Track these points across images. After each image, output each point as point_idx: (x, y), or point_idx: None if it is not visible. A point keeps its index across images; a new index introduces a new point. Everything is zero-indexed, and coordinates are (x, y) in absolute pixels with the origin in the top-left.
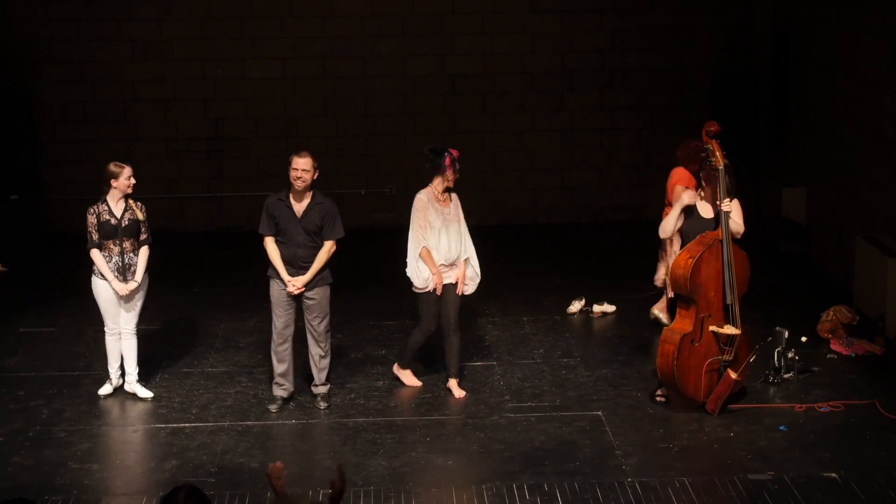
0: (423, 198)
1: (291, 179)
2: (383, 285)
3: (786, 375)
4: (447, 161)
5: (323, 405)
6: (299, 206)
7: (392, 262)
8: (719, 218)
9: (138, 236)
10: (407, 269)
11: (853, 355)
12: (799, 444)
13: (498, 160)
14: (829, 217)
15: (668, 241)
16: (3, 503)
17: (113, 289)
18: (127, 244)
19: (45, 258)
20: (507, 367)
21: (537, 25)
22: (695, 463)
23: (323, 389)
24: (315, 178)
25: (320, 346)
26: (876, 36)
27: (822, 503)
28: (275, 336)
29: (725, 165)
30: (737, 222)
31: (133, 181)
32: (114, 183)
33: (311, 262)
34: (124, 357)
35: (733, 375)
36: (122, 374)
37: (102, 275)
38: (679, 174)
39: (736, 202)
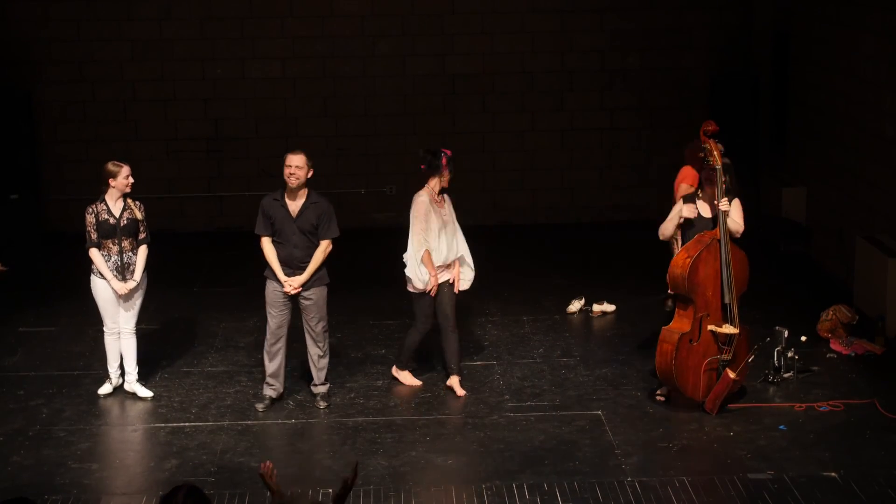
0: (425, 200)
1: (285, 177)
2: (383, 285)
3: (785, 375)
4: (444, 161)
5: (322, 405)
6: (294, 206)
7: (392, 262)
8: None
9: (137, 235)
10: (406, 269)
11: (853, 355)
12: (799, 444)
13: (498, 160)
14: (829, 217)
15: (673, 241)
16: (3, 503)
17: (112, 288)
18: (126, 243)
19: (45, 258)
20: (507, 366)
21: (537, 25)
22: (695, 462)
23: (322, 389)
24: (310, 176)
25: (319, 346)
26: (876, 36)
27: (821, 503)
28: (268, 336)
29: (724, 164)
30: (736, 221)
31: (131, 180)
32: (112, 182)
33: (308, 262)
34: (124, 356)
35: (732, 375)
36: (122, 374)
37: (101, 274)
38: (686, 173)
39: (737, 201)
